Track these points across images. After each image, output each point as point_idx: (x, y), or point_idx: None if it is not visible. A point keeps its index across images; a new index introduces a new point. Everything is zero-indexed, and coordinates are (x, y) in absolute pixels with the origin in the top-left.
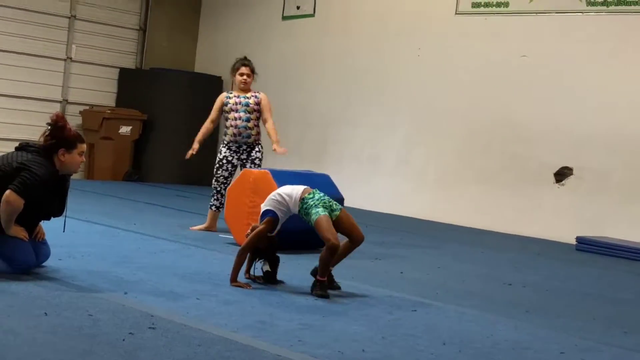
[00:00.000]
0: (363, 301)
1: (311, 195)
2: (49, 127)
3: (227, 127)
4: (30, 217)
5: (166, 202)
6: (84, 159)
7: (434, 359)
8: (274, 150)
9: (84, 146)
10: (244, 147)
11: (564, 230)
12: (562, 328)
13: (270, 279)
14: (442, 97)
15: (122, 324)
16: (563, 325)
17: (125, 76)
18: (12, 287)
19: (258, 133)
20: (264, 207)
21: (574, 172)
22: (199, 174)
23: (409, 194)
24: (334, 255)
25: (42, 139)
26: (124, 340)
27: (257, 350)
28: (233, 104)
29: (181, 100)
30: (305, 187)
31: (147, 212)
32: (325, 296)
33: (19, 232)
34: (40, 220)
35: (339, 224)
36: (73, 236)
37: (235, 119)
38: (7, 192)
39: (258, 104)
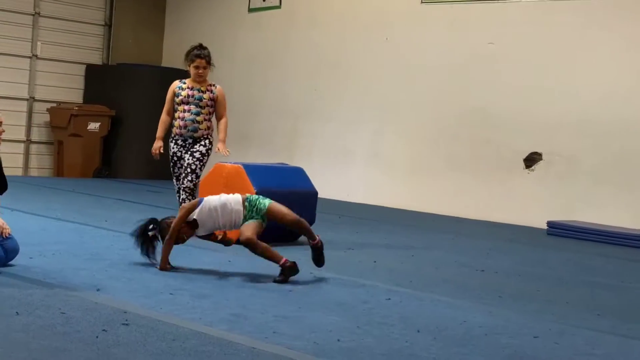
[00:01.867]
0: (337, 291)
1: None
2: None
3: (174, 119)
4: None
5: (137, 198)
6: (4, 130)
7: (409, 346)
8: (218, 149)
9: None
10: (190, 140)
11: (535, 215)
12: (535, 312)
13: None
14: (410, 86)
15: (95, 321)
16: (536, 309)
17: (92, 72)
18: None
19: (208, 128)
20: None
21: (544, 157)
22: (169, 169)
23: (381, 184)
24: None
25: None
26: (97, 337)
27: (232, 343)
28: (185, 96)
29: (149, 95)
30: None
31: (118, 208)
32: (284, 280)
33: None
34: None
35: (271, 216)
36: (43, 234)
37: (184, 111)
38: None
39: (213, 99)
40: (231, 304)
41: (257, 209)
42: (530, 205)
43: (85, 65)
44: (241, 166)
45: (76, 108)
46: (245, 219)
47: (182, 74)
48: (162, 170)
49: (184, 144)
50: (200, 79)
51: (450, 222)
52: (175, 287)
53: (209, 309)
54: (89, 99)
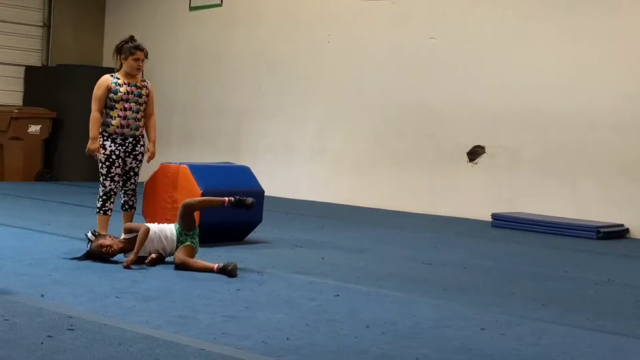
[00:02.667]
0: (285, 289)
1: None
2: None
3: (111, 117)
4: None
5: (80, 201)
6: None
7: (358, 342)
8: (148, 149)
9: None
10: (130, 139)
11: (480, 208)
12: (481, 304)
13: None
14: (354, 82)
15: (39, 327)
16: (482, 301)
17: (32, 74)
18: None
19: (143, 125)
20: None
21: (487, 150)
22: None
23: (326, 181)
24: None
25: None
26: (42, 343)
27: (180, 345)
28: (125, 93)
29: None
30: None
31: (61, 212)
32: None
33: None
34: None
35: (186, 210)
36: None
37: (125, 109)
38: None
39: (148, 95)
40: (178, 306)
41: (181, 232)
42: (474, 198)
43: (24, 67)
44: (187, 166)
45: (16, 111)
46: (178, 244)
47: None
48: None
49: (123, 143)
50: (138, 72)
51: (396, 217)
52: (122, 290)
53: (156, 311)
54: (29, 101)
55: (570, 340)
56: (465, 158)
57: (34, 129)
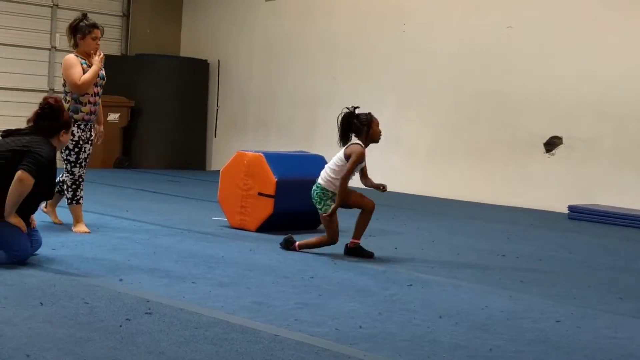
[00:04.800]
0: (359, 278)
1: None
2: (47, 109)
3: (81, 104)
4: (29, 201)
5: (157, 188)
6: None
7: (431, 332)
8: (100, 131)
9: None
10: (89, 125)
11: (556, 200)
12: (557, 297)
13: None
14: (428, 71)
15: (118, 311)
16: (558, 293)
17: (111, 63)
18: (7, 278)
19: None
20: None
21: (564, 141)
22: (189, 159)
23: (400, 170)
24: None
25: (32, 121)
26: (121, 326)
27: (254, 330)
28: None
29: (168, 85)
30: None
31: (138, 198)
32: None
33: (20, 222)
34: (37, 204)
35: (349, 199)
36: (65, 225)
37: (95, 94)
38: (19, 172)
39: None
40: (253, 292)
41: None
42: (550, 189)
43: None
44: (262, 155)
45: None
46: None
47: (201, 64)
48: (183, 160)
49: (85, 129)
50: (96, 52)
51: (470, 207)
52: (197, 276)
53: (231, 297)
54: (108, 89)
55: None
56: (541, 148)
57: (113, 117)
